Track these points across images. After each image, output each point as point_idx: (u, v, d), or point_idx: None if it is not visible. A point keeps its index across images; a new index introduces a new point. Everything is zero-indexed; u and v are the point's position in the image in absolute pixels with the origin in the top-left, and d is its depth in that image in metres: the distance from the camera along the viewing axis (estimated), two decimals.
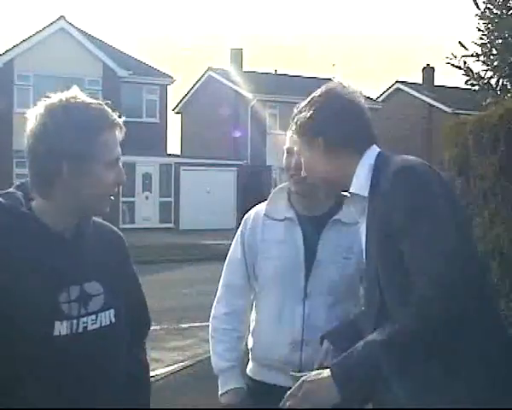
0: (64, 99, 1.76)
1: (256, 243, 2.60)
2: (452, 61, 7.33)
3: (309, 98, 2.08)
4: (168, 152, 30.01)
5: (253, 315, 2.68)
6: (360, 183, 1.98)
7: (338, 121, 2.01)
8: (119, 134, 1.81)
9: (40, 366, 1.68)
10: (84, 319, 1.76)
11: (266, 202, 2.68)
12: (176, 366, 7.05)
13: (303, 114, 2.06)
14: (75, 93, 1.78)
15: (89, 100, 1.79)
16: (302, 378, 1.89)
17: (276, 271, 2.53)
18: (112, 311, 1.83)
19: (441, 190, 1.83)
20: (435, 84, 35.13)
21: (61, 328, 1.71)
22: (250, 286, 2.65)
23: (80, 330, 1.75)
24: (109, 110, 1.80)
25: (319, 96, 2.06)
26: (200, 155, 29.64)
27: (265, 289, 2.57)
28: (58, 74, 26.89)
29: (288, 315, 2.50)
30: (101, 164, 1.76)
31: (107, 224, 2.02)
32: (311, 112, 2.04)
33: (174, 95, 73.36)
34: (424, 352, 1.71)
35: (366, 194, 1.95)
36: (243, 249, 2.63)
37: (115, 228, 2.04)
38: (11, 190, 1.82)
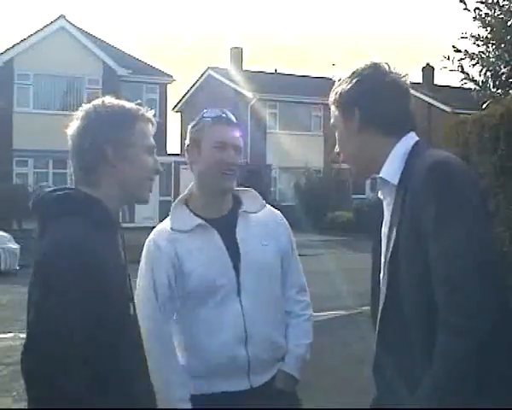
0: (104, 100, 1.98)
1: (171, 261, 2.46)
2: (446, 64, 7.34)
3: (352, 70, 1.99)
4: (168, 151, 30.01)
5: (181, 331, 2.52)
6: (392, 169, 1.89)
7: (378, 97, 1.92)
8: (152, 128, 2.02)
9: (127, 342, 1.86)
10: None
11: (166, 220, 2.58)
12: None
13: (344, 85, 1.98)
14: (112, 98, 2.00)
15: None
16: None
17: (206, 277, 2.44)
18: None
19: (474, 191, 1.75)
20: (435, 83, 35.13)
21: (131, 308, 1.92)
22: (170, 307, 2.48)
23: (132, 311, 1.95)
24: (142, 108, 2.01)
25: (362, 69, 1.97)
26: None
27: (195, 300, 2.46)
28: (58, 73, 26.92)
29: (226, 315, 2.44)
30: (140, 148, 1.95)
31: None
32: (353, 83, 1.95)
33: (174, 94, 73.32)
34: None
35: (396, 182, 1.87)
36: (163, 269, 2.46)
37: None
38: (67, 187, 1.93)
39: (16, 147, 26.01)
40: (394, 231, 1.82)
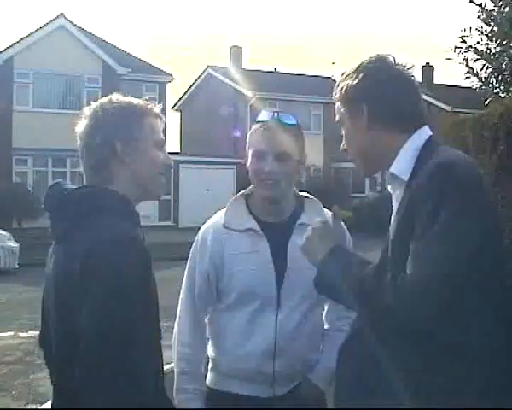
0: (112, 97, 1.96)
1: (222, 257, 2.43)
2: (451, 55, 7.31)
3: (357, 64, 1.91)
4: (167, 150, 29.89)
5: (212, 329, 2.52)
6: (402, 165, 1.81)
7: (386, 91, 1.85)
8: (161, 123, 2.02)
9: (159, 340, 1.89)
10: None
11: (222, 213, 2.53)
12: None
13: (349, 80, 1.90)
14: (120, 95, 1.98)
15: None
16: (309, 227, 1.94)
17: (248, 283, 2.39)
18: None
19: (479, 197, 1.69)
20: (435, 82, 35.11)
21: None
22: (211, 301, 2.49)
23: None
24: (151, 103, 2.00)
25: (368, 62, 1.89)
26: (200, 153, 29.64)
27: (234, 303, 2.42)
28: (58, 72, 26.88)
29: (259, 326, 2.38)
30: (149, 143, 1.94)
31: None
32: (359, 77, 1.87)
33: (174, 93, 73.28)
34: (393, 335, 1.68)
35: (406, 178, 1.80)
36: (206, 262, 2.46)
37: None
38: (89, 185, 1.90)
39: (16, 145, 25.99)
40: (395, 228, 1.80)
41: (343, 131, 1.95)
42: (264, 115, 2.44)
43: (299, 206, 2.49)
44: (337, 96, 1.94)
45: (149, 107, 1.97)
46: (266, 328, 2.37)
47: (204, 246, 2.49)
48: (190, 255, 2.55)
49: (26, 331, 8.56)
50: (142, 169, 1.92)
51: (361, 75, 1.87)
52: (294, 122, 2.42)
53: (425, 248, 1.63)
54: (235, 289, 2.41)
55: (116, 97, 1.96)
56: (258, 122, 2.43)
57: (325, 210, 2.51)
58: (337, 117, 1.96)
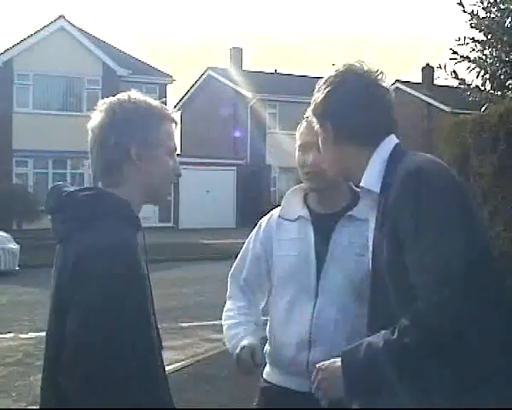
0: (130, 94, 1.89)
1: (271, 243, 2.55)
2: (440, 73, 7.42)
3: (326, 76, 1.93)
4: None
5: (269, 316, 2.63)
6: (372, 178, 1.84)
7: (350, 108, 1.86)
8: (175, 130, 1.96)
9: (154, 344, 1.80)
10: None
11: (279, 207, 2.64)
12: (175, 365, 7.07)
13: (318, 94, 1.93)
14: (138, 93, 1.91)
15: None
16: (317, 365, 1.87)
17: (288, 269, 2.47)
18: None
19: (454, 196, 1.70)
20: (435, 83, 35.14)
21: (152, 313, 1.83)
22: (266, 284, 2.62)
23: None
24: (166, 107, 1.96)
25: (335, 76, 1.90)
26: (200, 155, 29.64)
27: (278, 288, 2.52)
28: (58, 73, 26.90)
29: (297, 314, 2.42)
30: (164, 149, 1.88)
31: None
32: (324, 94, 1.90)
33: (174, 94, 73.28)
34: (422, 362, 1.66)
35: (378, 190, 1.82)
36: (258, 247, 2.61)
37: None
38: (91, 187, 1.85)
39: (16, 147, 26.00)
40: (371, 241, 1.84)
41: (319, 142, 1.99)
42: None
43: (355, 199, 2.47)
44: (310, 108, 1.99)
45: (167, 111, 1.92)
46: (303, 317, 2.41)
47: (258, 233, 2.64)
48: (245, 243, 2.71)
49: (26, 333, 8.55)
50: (154, 176, 1.86)
51: (326, 91, 1.90)
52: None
53: (419, 262, 1.64)
54: (277, 274, 2.52)
55: (135, 95, 1.89)
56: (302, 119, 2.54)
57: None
58: (314, 128, 2.00)
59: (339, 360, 1.80)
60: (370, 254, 1.88)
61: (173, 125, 1.94)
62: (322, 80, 1.94)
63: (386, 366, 1.66)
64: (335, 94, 1.88)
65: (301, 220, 2.51)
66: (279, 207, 2.64)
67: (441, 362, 1.65)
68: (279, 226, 2.56)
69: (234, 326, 2.57)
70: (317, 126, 1.99)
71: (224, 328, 2.62)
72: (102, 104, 1.86)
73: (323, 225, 2.46)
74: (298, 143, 2.52)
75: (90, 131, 1.86)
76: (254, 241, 2.64)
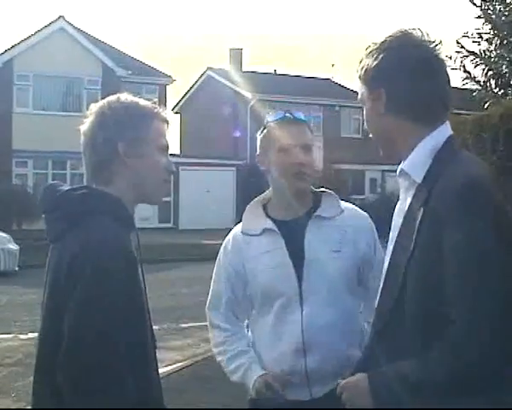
0: (120, 96, 1.93)
1: (242, 264, 2.47)
2: (448, 63, 7.38)
3: (381, 40, 1.79)
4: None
5: (253, 337, 2.54)
6: (415, 164, 1.72)
7: (406, 76, 1.73)
8: (167, 129, 1.97)
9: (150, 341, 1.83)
10: None
11: (240, 224, 2.56)
12: (175, 365, 7.05)
13: (370, 59, 1.79)
14: (128, 95, 1.95)
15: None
16: (340, 384, 1.78)
17: (268, 283, 2.41)
18: None
19: (501, 216, 1.60)
20: None
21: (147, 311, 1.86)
22: (245, 303, 2.53)
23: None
24: (159, 107, 1.97)
25: (391, 41, 1.77)
26: (200, 155, 29.64)
27: (260, 305, 2.46)
28: (57, 74, 26.90)
29: (286, 326, 2.38)
30: (153, 146, 1.89)
31: None
32: (379, 59, 1.76)
33: (173, 95, 73.34)
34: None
35: (418, 181, 1.70)
36: (229, 269, 2.51)
37: None
38: (83, 186, 1.87)
39: (16, 148, 26.00)
40: (414, 237, 1.67)
41: (364, 111, 1.86)
42: (278, 114, 2.50)
43: (316, 201, 2.49)
44: (358, 74, 1.84)
45: (157, 110, 1.94)
46: (293, 325, 2.37)
47: (226, 255, 2.55)
48: (215, 269, 2.60)
49: (26, 333, 8.56)
50: (144, 172, 1.87)
51: (381, 56, 1.76)
52: (306, 119, 2.50)
53: (461, 286, 1.56)
54: (260, 290, 2.44)
55: (125, 97, 1.92)
56: (270, 122, 2.48)
57: (341, 202, 2.53)
58: (359, 96, 1.87)
59: (361, 376, 1.72)
60: (392, 244, 1.76)
61: (165, 123, 1.96)
62: (374, 46, 1.80)
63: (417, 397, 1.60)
64: (391, 60, 1.75)
65: (268, 232, 2.44)
66: (239, 225, 2.56)
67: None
68: (247, 243, 2.48)
69: (233, 358, 2.48)
70: (362, 92, 1.84)
71: (223, 363, 2.54)
72: (94, 107, 1.90)
73: (292, 232, 2.42)
74: (278, 145, 2.43)
75: (82, 135, 1.90)
76: (224, 264, 2.54)
